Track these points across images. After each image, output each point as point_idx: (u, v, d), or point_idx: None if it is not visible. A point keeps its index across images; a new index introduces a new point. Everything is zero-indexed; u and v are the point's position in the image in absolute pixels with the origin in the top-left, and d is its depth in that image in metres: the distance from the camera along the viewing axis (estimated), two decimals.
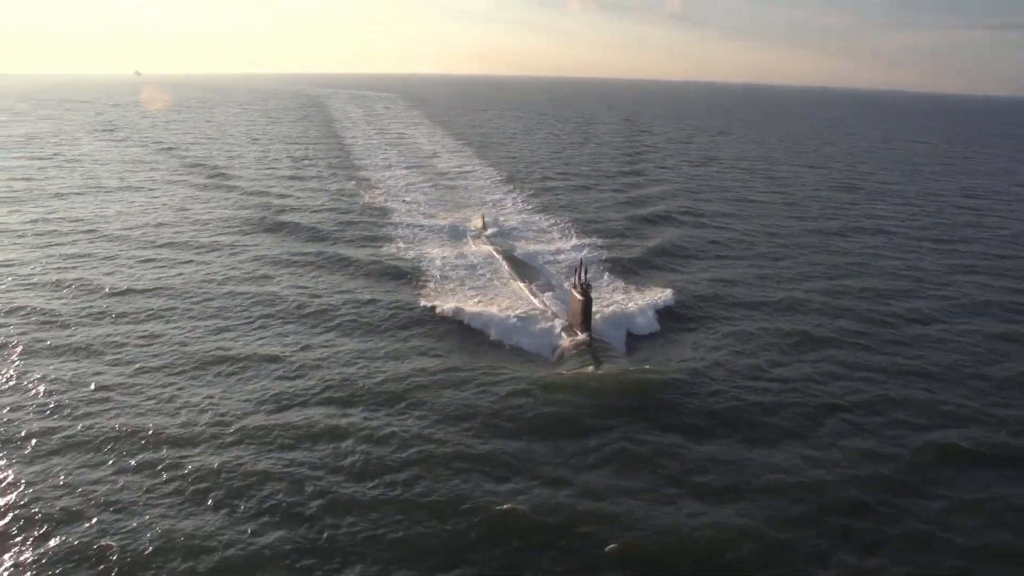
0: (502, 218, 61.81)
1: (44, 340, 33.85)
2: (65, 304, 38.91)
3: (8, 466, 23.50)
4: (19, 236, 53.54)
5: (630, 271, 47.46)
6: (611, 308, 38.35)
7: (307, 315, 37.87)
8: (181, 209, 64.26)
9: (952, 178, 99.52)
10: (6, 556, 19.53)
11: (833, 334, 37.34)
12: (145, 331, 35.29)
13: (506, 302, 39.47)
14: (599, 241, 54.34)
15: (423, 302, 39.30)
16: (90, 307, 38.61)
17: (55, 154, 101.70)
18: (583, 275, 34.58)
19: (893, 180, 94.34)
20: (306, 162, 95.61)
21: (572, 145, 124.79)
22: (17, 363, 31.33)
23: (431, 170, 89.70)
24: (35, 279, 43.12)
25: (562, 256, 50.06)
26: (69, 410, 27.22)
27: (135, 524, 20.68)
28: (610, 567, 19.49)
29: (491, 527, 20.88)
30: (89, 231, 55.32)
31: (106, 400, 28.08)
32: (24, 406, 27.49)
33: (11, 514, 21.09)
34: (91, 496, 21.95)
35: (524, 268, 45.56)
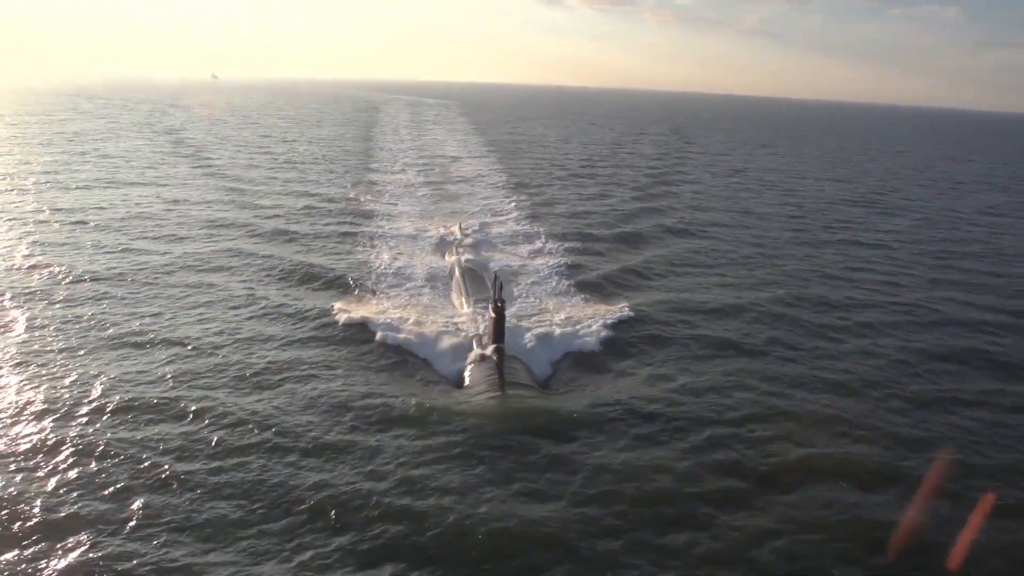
0: (487, 226, 60.63)
1: None
2: (7, 284, 40.37)
3: None
4: (6, 220, 56.00)
5: (596, 286, 44.94)
6: (549, 327, 36.08)
7: (230, 307, 38.26)
8: (174, 202, 66.06)
9: (985, 195, 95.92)
10: None
11: (770, 347, 35.98)
12: (73, 313, 36.31)
13: (435, 315, 37.77)
14: (577, 254, 52.08)
15: (338, 307, 37.77)
16: (29, 288, 39.95)
17: (93, 149, 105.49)
18: (498, 291, 32.15)
19: (919, 197, 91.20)
20: (322, 164, 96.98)
21: (602, 155, 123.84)
22: None
23: (442, 175, 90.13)
24: None
25: (532, 267, 48.64)
26: None
27: None
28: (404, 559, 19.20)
29: (307, 515, 20.92)
30: (77, 221, 57.09)
31: None
32: None
33: None
34: None
35: (477, 281, 43.00)
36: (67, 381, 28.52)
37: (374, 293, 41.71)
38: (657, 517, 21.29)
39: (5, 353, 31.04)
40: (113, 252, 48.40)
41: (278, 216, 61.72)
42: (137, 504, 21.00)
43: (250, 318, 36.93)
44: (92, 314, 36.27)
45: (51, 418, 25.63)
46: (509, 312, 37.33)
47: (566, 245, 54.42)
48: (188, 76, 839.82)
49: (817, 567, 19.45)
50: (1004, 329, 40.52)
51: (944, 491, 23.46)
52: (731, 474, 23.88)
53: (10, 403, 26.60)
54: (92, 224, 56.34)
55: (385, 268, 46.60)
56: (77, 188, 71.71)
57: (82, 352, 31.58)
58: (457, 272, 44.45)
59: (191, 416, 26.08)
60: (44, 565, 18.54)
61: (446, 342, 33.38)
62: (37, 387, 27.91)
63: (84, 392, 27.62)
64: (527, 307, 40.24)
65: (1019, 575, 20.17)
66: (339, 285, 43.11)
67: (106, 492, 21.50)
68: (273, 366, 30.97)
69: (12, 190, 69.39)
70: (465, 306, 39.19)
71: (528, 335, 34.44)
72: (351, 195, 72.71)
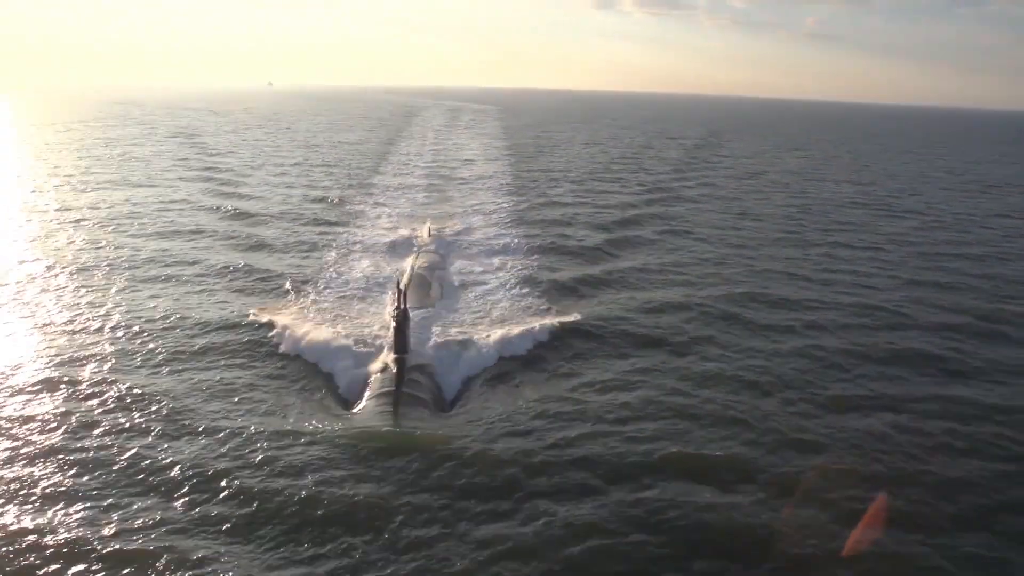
0: (462, 230, 59.18)
1: None
2: None
3: None
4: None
5: (553, 293, 42.80)
6: (479, 336, 34.18)
7: (146, 307, 38.12)
8: (170, 202, 67.68)
9: (1014, 198, 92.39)
10: None
11: (699, 346, 35.05)
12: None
13: (356, 323, 35.91)
14: (549, 260, 50.31)
15: (256, 313, 36.65)
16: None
17: (121, 154, 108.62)
18: (401, 300, 30.19)
19: (940, 200, 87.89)
20: (328, 168, 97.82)
21: (624, 158, 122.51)
22: None
23: (446, 177, 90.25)
24: None
25: (492, 274, 46.77)
26: None
27: None
28: None
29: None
30: (76, 219, 59.52)
31: None
32: None
33: None
34: None
35: (421, 287, 41.22)
36: None
37: (307, 300, 40.14)
38: (485, 508, 20.90)
39: None
40: (82, 246, 50.30)
41: (250, 219, 62.19)
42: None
43: (161, 318, 36.33)
44: (33, 296, 38.52)
45: None
46: (449, 320, 37.04)
47: (540, 251, 53.13)
48: (247, 84, 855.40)
49: (627, 568, 18.79)
50: (962, 332, 38.81)
51: (819, 499, 22.54)
52: (587, 469, 23.25)
53: None
54: (78, 220, 58.75)
55: (332, 274, 45.33)
56: (91, 189, 74.56)
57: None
58: (405, 278, 41.90)
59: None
60: None
61: (351, 352, 31.48)
62: None
63: None
64: (469, 316, 38.41)
65: None
66: (274, 291, 42.09)
67: None
68: (154, 367, 30.57)
69: (33, 190, 73.38)
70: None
71: (452, 345, 32.85)
72: (337, 199, 72.77)
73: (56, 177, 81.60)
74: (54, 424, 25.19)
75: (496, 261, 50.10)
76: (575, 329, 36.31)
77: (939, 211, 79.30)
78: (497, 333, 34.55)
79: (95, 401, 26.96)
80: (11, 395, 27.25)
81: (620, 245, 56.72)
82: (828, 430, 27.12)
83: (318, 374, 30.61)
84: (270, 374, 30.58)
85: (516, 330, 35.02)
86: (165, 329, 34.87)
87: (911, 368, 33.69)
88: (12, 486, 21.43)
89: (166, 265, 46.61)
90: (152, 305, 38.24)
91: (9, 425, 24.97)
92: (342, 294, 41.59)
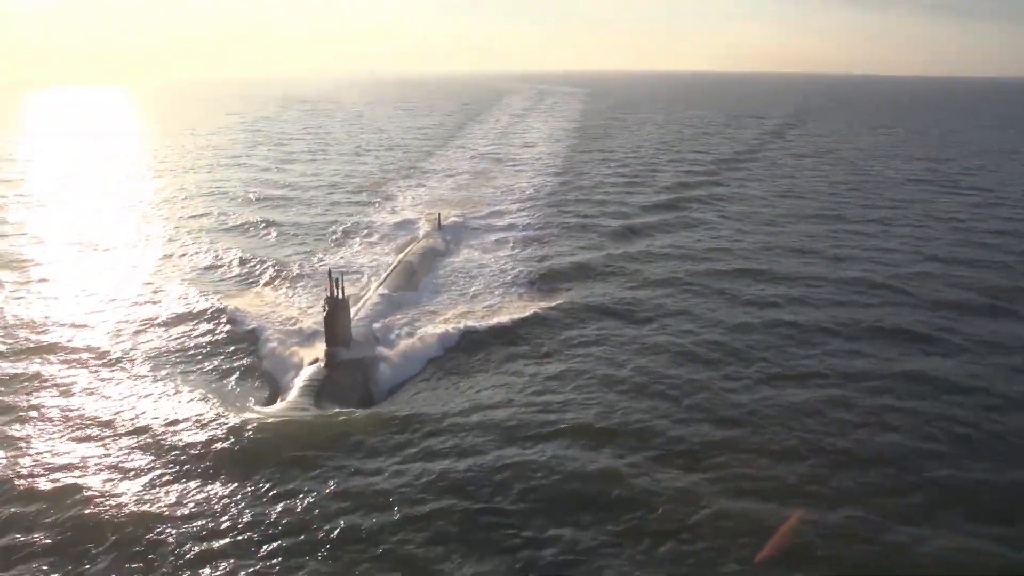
0: (481, 216, 58.02)
1: None
2: None
3: None
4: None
5: (547, 282, 41.20)
6: (440, 327, 33.05)
7: (126, 284, 41.00)
8: (204, 186, 72.76)
9: None
10: None
11: (659, 317, 34.97)
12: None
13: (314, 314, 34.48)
14: (558, 246, 49.23)
15: (221, 298, 37.58)
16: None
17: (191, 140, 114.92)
18: (338, 290, 29.14)
19: (1017, 178, 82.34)
20: (378, 152, 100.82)
21: (685, 139, 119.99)
22: None
23: (498, 160, 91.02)
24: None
25: (489, 262, 45.27)
26: None
27: None
28: None
29: None
30: (125, 205, 64.75)
31: None
32: None
33: None
34: None
35: (407, 275, 40.47)
36: None
37: (282, 286, 40.31)
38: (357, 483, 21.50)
39: None
40: (107, 223, 56.76)
41: (269, 203, 65.37)
42: None
43: (139, 293, 39.03)
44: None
45: None
46: (417, 310, 35.62)
47: (554, 236, 51.93)
48: (350, 73, 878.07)
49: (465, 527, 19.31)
50: (963, 311, 36.79)
51: (709, 464, 22.42)
52: (482, 434, 23.78)
53: None
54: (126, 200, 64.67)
55: (319, 261, 45.34)
56: (133, 176, 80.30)
57: None
58: (397, 265, 42.31)
59: None
60: None
61: (291, 342, 31.28)
62: None
63: None
64: (442, 306, 37.09)
65: None
66: (254, 275, 42.75)
67: None
68: (108, 341, 32.23)
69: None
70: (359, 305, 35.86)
71: (402, 338, 31.91)
72: (369, 184, 74.50)
73: (134, 164, 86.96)
74: None
75: (502, 248, 48.87)
76: (546, 314, 35.17)
77: (1008, 190, 74.67)
78: (450, 324, 33.35)
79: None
80: None
81: (640, 229, 54.41)
82: (758, 405, 26.44)
83: (259, 362, 30.53)
84: (215, 356, 31.24)
85: (471, 320, 33.85)
86: (140, 299, 38.29)
87: (884, 345, 32.21)
88: None
89: (187, 239, 50.72)
90: (146, 280, 41.75)
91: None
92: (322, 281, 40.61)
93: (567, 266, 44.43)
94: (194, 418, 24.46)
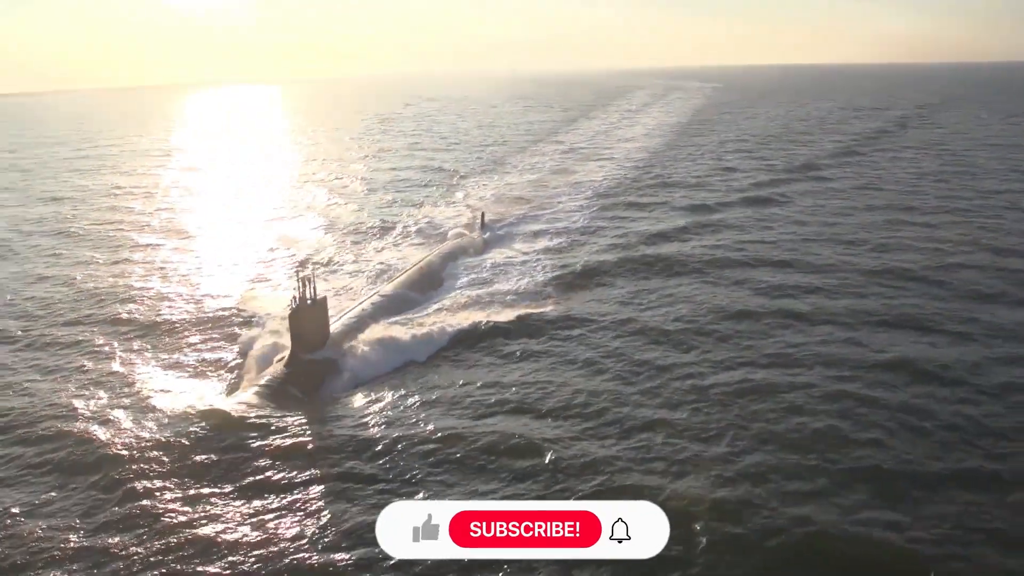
0: (528, 216, 57.64)
1: None
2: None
3: None
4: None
5: (566, 284, 40.37)
6: (427, 329, 32.59)
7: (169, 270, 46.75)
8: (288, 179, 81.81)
9: None
10: None
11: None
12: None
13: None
14: (599, 244, 48.48)
15: (244, 292, 40.60)
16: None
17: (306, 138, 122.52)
18: (310, 290, 29.32)
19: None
20: (470, 149, 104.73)
21: (795, 132, 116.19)
22: None
23: (584, 155, 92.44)
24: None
25: (517, 263, 44.56)
26: None
27: None
28: None
29: None
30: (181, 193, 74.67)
31: None
32: None
33: None
34: None
35: (428, 277, 40.69)
36: None
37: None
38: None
39: None
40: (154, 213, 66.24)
41: (325, 199, 70.88)
42: None
43: (175, 278, 44.49)
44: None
45: None
46: (421, 311, 35.59)
47: (602, 235, 50.90)
48: (493, 70, 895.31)
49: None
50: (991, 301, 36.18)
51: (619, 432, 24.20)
52: (411, 403, 26.32)
53: None
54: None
55: (353, 259, 47.29)
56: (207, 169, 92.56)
57: None
58: (420, 265, 42.78)
59: None
60: None
61: (274, 341, 31.44)
62: None
63: None
64: (447, 308, 36.47)
65: None
66: (288, 269, 44.53)
67: None
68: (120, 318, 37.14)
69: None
70: (362, 306, 35.66)
71: (383, 341, 31.30)
72: (437, 181, 77.35)
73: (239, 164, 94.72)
74: None
75: (534, 250, 47.21)
76: (539, 318, 34.85)
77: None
78: (437, 326, 33.13)
79: None
80: None
81: (691, 229, 52.13)
82: (708, 384, 27.30)
83: (240, 355, 31.89)
84: (203, 347, 33.34)
85: (462, 323, 33.60)
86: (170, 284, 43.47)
87: (881, 332, 32.24)
88: None
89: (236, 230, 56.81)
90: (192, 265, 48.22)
91: None
92: (356, 276, 43.48)
93: (602, 265, 43.52)
94: (154, 403, 27.02)
